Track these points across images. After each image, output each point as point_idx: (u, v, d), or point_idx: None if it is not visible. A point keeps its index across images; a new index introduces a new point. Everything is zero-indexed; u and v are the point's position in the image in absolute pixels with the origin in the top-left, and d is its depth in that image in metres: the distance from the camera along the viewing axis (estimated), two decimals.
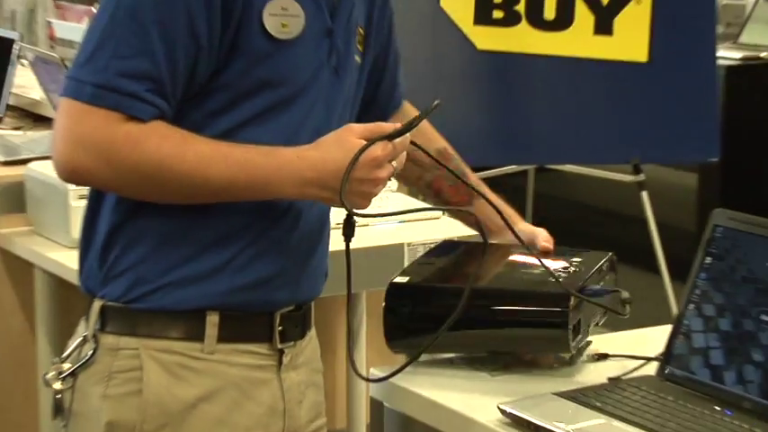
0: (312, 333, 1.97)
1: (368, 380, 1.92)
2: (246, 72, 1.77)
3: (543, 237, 2.08)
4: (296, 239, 1.86)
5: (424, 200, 5.41)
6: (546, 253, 2.05)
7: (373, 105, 2.06)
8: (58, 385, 1.83)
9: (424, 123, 2.02)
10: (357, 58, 1.93)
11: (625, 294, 2.01)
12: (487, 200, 1.97)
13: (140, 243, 1.80)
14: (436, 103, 1.80)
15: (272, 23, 1.77)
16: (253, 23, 1.76)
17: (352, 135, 1.76)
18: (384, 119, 2.01)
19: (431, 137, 2.11)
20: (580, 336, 1.94)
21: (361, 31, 1.94)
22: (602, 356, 2.03)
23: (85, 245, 1.85)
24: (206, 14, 1.72)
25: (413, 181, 2.14)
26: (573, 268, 2.00)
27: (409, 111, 2.12)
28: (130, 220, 1.80)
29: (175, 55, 1.72)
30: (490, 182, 5.09)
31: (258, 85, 1.78)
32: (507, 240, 2.03)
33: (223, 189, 1.75)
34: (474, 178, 2.11)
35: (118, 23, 1.71)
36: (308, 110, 1.82)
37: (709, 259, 1.92)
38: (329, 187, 1.76)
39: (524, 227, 2.08)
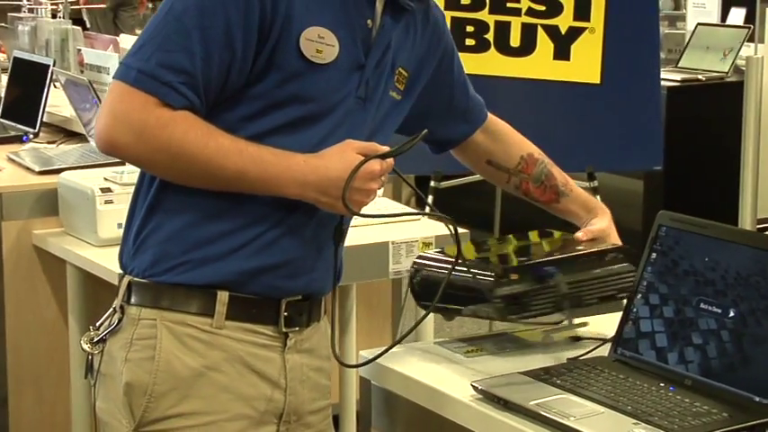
0: (322, 323, 1.93)
1: (346, 365, 1.93)
2: (279, 86, 1.77)
3: (612, 236, 2.14)
4: (309, 233, 1.84)
5: (407, 203, 5.39)
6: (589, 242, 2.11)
7: (455, 122, 2.10)
8: (89, 348, 1.86)
9: (511, 132, 2.15)
10: (394, 95, 1.92)
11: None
12: (570, 192, 2.16)
13: (167, 224, 1.81)
14: (424, 132, 1.85)
15: (307, 47, 1.77)
16: (290, 45, 1.76)
17: (351, 150, 1.78)
18: (472, 132, 2.11)
19: (518, 144, 2.16)
20: (529, 312, 1.94)
21: (403, 72, 1.92)
22: (576, 339, 2.05)
23: (127, 227, 1.88)
24: (243, 30, 1.73)
25: (503, 184, 2.18)
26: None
27: (496, 124, 2.15)
28: (160, 206, 1.81)
29: (211, 59, 1.73)
30: (464, 187, 5.05)
31: (289, 98, 1.78)
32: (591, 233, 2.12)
33: (235, 179, 1.75)
34: (560, 179, 2.17)
35: (166, 24, 1.74)
36: (331, 129, 1.81)
37: (654, 255, 1.91)
38: (327, 193, 1.77)
39: (600, 222, 2.15)
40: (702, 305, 1.82)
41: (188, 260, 1.80)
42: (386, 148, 1.81)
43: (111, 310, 1.86)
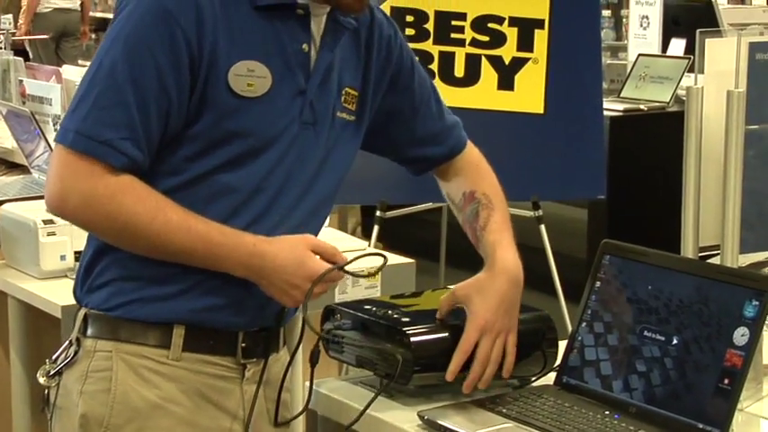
0: (281, 354, 1.93)
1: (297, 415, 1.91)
2: (216, 124, 1.76)
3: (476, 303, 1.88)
4: None
5: (352, 232, 5.37)
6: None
7: (425, 144, 2.04)
8: (45, 381, 1.85)
9: (467, 166, 2.06)
10: (345, 116, 1.90)
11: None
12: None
13: (117, 265, 1.80)
14: (383, 262, 1.85)
15: (236, 83, 1.76)
16: (220, 82, 1.75)
17: (304, 246, 1.78)
18: (449, 157, 2.05)
19: (465, 180, 2.06)
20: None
21: (351, 92, 1.90)
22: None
23: (81, 262, 1.87)
24: (174, 73, 1.72)
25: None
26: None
27: (469, 162, 2.07)
28: (110, 247, 1.80)
29: (148, 109, 1.72)
30: (410, 217, 5.04)
31: (227, 135, 1.77)
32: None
33: (182, 254, 1.75)
34: (481, 223, 1.98)
35: (98, 81, 1.73)
36: (278, 158, 1.80)
37: (598, 284, 1.93)
38: (270, 280, 1.77)
39: (474, 288, 1.88)
40: (646, 333, 1.83)
41: (141, 297, 1.79)
42: (345, 257, 1.80)
43: (67, 342, 1.85)
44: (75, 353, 1.82)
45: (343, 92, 1.89)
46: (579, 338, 1.91)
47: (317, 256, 1.79)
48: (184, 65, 1.73)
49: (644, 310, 1.84)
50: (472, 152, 2.10)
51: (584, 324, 1.92)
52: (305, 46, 1.82)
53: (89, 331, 1.82)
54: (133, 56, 1.71)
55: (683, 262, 1.93)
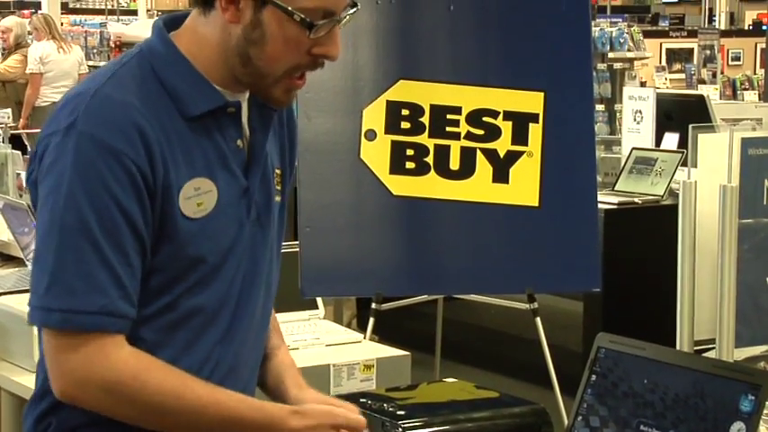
0: None
1: None
2: (176, 253, 1.67)
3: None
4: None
5: (347, 325, 5.36)
6: None
7: None
8: None
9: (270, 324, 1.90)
10: (278, 198, 1.81)
11: None
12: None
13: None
14: None
15: (186, 207, 1.66)
16: (174, 209, 1.65)
17: (331, 421, 1.71)
18: None
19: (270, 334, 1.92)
20: None
21: (278, 171, 1.82)
22: None
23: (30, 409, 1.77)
24: (141, 211, 1.62)
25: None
26: None
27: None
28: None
29: (128, 258, 1.62)
30: (406, 309, 5.02)
31: (190, 262, 1.68)
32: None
33: (213, 430, 1.68)
34: (282, 367, 1.90)
35: (69, 242, 1.59)
36: (236, 266, 1.73)
37: (594, 377, 1.92)
38: None
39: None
40: (642, 427, 1.82)
41: None
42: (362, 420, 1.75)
43: None
44: None
45: (274, 174, 1.81)
46: None
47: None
48: (146, 199, 1.62)
49: (640, 404, 1.83)
50: None
51: (579, 418, 1.90)
52: (239, 142, 1.73)
53: None
54: (99, 208, 1.59)
55: (679, 356, 1.92)
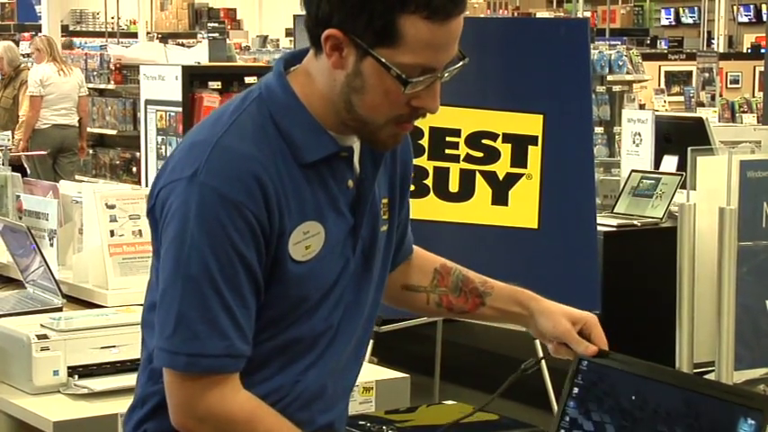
0: None
1: None
2: (283, 294, 1.73)
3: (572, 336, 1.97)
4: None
5: None
6: None
7: (399, 247, 1.98)
8: None
9: (419, 252, 2.01)
10: (384, 228, 1.84)
11: None
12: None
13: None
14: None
15: (296, 251, 1.71)
16: (284, 254, 1.70)
17: None
18: (410, 252, 2.00)
19: (426, 259, 2.03)
20: None
21: (384, 201, 1.84)
22: None
23: (137, 388, 1.83)
24: (258, 258, 1.68)
25: (424, 306, 2.03)
26: None
27: (421, 254, 2.03)
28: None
29: (246, 301, 1.68)
30: (405, 331, 5.01)
31: (296, 301, 1.74)
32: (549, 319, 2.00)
33: None
34: (477, 280, 2.02)
35: (193, 292, 1.66)
36: (338, 298, 1.77)
37: (576, 390, 1.91)
38: None
39: (555, 325, 2.01)
40: None
41: None
42: None
43: None
44: None
45: (381, 204, 1.84)
46: None
47: None
48: (262, 246, 1.68)
49: (628, 420, 1.83)
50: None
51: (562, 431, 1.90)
52: (350, 182, 1.77)
53: None
54: (220, 257, 1.65)
55: (671, 374, 1.91)
